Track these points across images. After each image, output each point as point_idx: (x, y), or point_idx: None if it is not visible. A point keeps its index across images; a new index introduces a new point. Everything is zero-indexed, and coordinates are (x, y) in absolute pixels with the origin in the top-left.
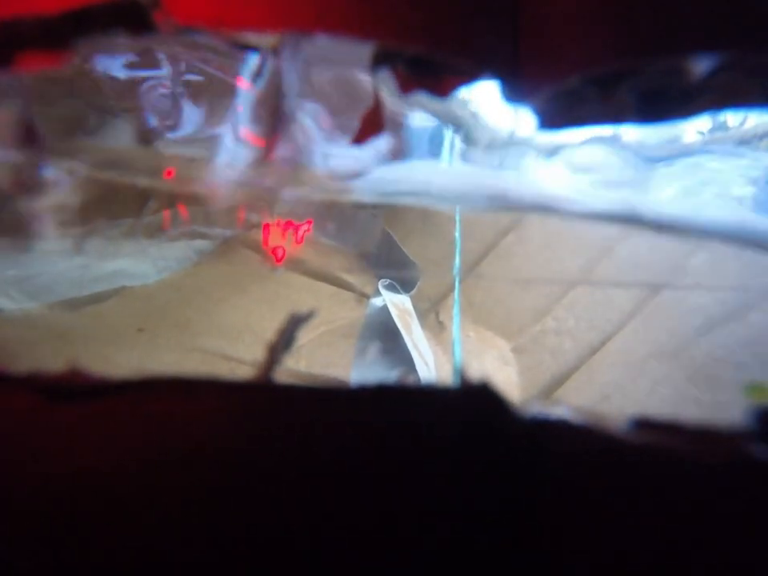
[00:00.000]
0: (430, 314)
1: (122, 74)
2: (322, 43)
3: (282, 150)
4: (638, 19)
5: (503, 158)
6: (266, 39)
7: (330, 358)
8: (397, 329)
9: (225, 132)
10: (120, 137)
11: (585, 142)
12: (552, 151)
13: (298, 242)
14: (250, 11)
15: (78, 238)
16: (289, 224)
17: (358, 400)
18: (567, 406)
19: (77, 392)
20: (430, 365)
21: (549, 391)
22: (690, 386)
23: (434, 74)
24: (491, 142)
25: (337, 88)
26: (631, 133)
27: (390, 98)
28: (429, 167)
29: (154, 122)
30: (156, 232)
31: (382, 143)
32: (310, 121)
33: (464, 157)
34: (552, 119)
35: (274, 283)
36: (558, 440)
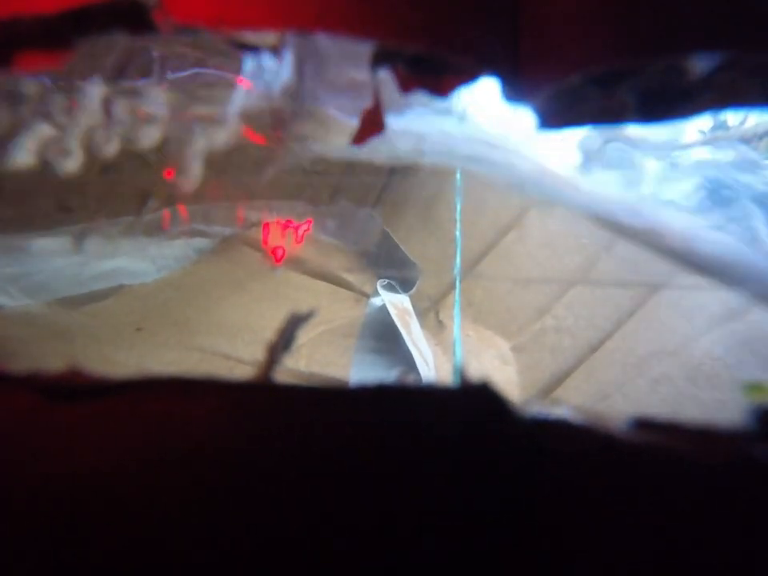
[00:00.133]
0: (430, 313)
1: None
2: (322, 43)
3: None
4: (638, 19)
5: None
6: (267, 38)
7: (329, 357)
8: (396, 328)
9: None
10: None
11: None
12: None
13: (298, 241)
14: (250, 11)
15: (77, 236)
16: (288, 223)
17: (357, 400)
18: (567, 405)
19: (77, 392)
20: (430, 364)
21: (548, 390)
22: (690, 384)
23: (434, 74)
24: None
25: (337, 87)
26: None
27: (390, 97)
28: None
29: None
30: (155, 230)
31: None
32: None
33: None
34: (552, 119)
35: (273, 282)
36: (557, 439)
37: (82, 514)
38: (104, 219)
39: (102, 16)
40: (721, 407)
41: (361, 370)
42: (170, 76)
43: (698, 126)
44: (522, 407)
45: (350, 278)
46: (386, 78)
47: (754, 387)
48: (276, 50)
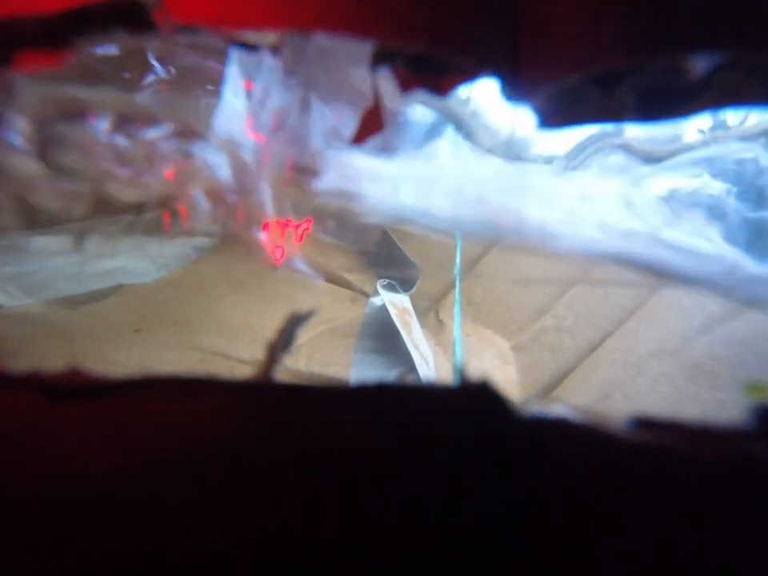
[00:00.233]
0: (430, 313)
1: None
2: (322, 42)
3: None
4: (638, 19)
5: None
6: (266, 38)
7: (329, 357)
8: (396, 328)
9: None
10: None
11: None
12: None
13: (298, 240)
14: (250, 10)
15: (76, 235)
16: (288, 223)
17: (357, 399)
18: (567, 404)
19: (76, 391)
20: (431, 365)
21: (548, 390)
22: (690, 384)
23: (433, 73)
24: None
25: (337, 87)
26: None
27: (390, 96)
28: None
29: None
30: (155, 229)
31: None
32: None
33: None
34: (552, 118)
35: (273, 281)
36: (557, 439)
37: (81, 514)
38: (104, 218)
39: (101, 16)
40: (721, 407)
41: (361, 370)
42: (171, 76)
43: (697, 125)
44: (522, 407)
45: (350, 277)
46: (386, 77)
47: (754, 387)
48: (276, 50)
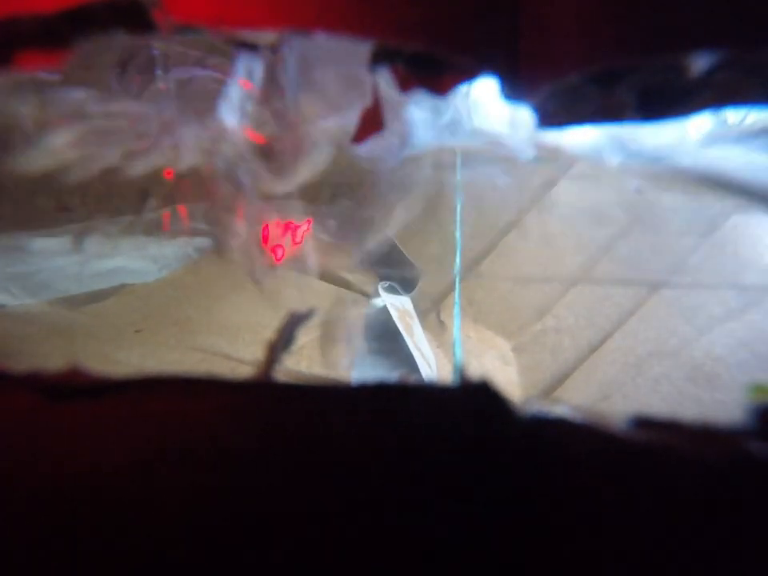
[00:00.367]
0: (431, 314)
1: None
2: (321, 42)
3: None
4: (638, 18)
5: None
6: (266, 38)
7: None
8: (398, 330)
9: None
10: None
11: None
12: None
13: (298, 240)
14: (249, 10)
15: (77, 235)
16: (288, 223)
17: (358, 399)
18: (567, 404)
19: (77, 391)
20: (433, 366)
21: (549, 390)
22: (690, 384)
23: (433, 72)
24: None
25: (337, 86)
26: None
27: (390, 95)
28: None
29: None
30: (156, 230)
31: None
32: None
33: None
34: (552, 117)
35: (273, 282)
36: (558, 439)
37: (82, 513)
38: (104, 218)
39: (101, 16)
40: (721, 407)
41: (362, 371)
42: (171, 76)
43: (697, 124)
44: (523, 407)
45: (350, 277)
46: (385, 76)
47: (758, 388)
48: (275, 50)
